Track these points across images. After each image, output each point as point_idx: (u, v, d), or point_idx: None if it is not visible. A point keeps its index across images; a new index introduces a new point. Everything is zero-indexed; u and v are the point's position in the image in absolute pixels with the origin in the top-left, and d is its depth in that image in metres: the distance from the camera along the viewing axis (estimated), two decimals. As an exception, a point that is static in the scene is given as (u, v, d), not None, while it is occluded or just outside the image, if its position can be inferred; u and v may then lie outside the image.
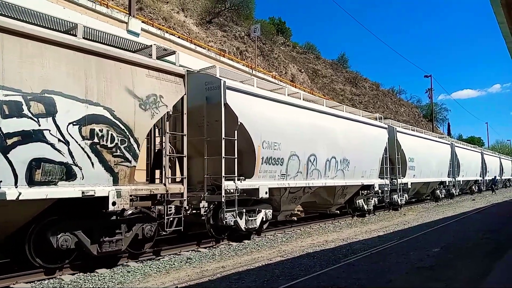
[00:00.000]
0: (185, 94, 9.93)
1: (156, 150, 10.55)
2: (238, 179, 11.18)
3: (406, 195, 21.49)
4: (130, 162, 8.58)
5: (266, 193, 11.79)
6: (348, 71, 61.84)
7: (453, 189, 29.56)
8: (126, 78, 8.68)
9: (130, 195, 8.68)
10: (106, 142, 8.14)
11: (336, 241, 11.68)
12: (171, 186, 9.60)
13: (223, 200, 10.67)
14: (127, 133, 8.53)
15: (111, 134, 8.25)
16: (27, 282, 7.59)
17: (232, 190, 11.00)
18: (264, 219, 12.40)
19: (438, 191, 27.38)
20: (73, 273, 8.27)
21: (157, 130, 10.86)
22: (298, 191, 13.56)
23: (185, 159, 10.02)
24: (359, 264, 8.42)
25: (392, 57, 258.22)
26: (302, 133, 13.26)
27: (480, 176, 38.81)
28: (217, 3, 40.33)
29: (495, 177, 48.53)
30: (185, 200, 9.80)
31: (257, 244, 11.33)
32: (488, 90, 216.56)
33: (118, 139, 8.36)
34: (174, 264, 8.92)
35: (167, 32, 23.12)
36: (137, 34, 19.36)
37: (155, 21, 27.05)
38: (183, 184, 9.83)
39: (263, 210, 12.36)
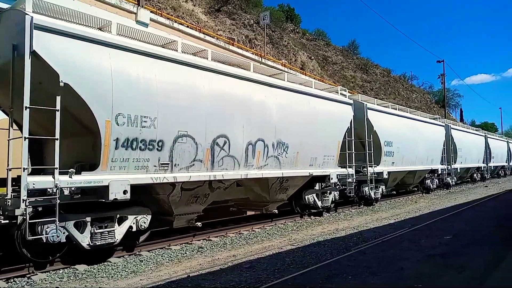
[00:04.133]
0: None
1: None
2: (66, 173, 6.26)
3: (382, 187, 15.30)
4: None
5: (125, 192, 6.76)
6: (359, 57, 54.07)
7: (448, 178, 22.25)
8: None
9: None
10: None
11: (347, 229, 10.30)
12: None
13: (23, 205, 5.74)
14: None
15: None
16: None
17: (53, 190, 6.10)
18: (133, 229, 7.40)
19: (428, 181, 20.26)
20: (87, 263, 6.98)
21: None
22: (200, 187, 8.37)
23: None
24: (370, 252, 7.52)
25: (403, 43, 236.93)
26: (203, 106, 8.02)
27: (484, 163, 30.16)
28: (225, -9, 35.38)
29: None
30: None
31: (268, 233, 9.91)
32: (503, 75, 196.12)
33: None
34: (186, 253, 7.92)
35: (176, 22, 19.87)
36: (146, 25, 16.33)
37: (163, 10, 23.22)
38: None
39: (131, 217, 7.35)
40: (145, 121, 7.08)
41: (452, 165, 22.47)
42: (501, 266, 6.09)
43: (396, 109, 16.95)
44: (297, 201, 11.78)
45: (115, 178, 6.73)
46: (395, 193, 19.06)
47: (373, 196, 14.61)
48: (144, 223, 7.55)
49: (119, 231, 7.17)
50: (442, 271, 6.10)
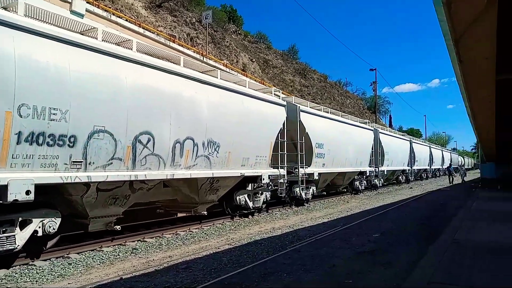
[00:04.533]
0: None
1: None
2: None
3: (313, 187, 15.39)
4: None
5: (28, 192, 5.90)
6: (298, 62, 55.02)
7: (375, 180, 23.05)
8: None
9: None
10: None
11: (283, 228, 10.34)
12: None
13: None
14: None
15: None
16: None
17: None
18: (39, 234, 6.51)
19: (357, 183, 20.60)
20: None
21: None
22: (119, 188, 7.65)
23: None
24: (304, 250, 7.55)
25: (340, 50, 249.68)
26: (125, 99, 7.31)
27: (408, 166, 31.78)
28: (167, -13, 34.08)
29: (450, 165, 43.74)
30: None
31: (205, 233, 9.68)
32: (428, 85, 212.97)
33: None
34: (119, 255, 7.50)
35: (113, 15, 18.53)
36: (81, 15, 14.90)
37: (101, 2, 21.52)
38: None
39: (36, 220, 6.45)
40: (54, 114, 6.27)
41: (379, 168, 23.22)
42: (421, 262, 6.37)
43: (328, 112, 17.09)
44: (228, 202, 11.35)
45: (16, 176, 5.86)
46: (325, 193, 19.25)
47: (304, 196, 14.60)
48: (50, 227, 6.67)
49: (21, 236, 6.27)
50: (371, 267, 6.29)
